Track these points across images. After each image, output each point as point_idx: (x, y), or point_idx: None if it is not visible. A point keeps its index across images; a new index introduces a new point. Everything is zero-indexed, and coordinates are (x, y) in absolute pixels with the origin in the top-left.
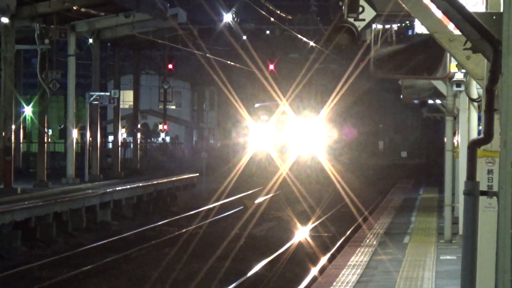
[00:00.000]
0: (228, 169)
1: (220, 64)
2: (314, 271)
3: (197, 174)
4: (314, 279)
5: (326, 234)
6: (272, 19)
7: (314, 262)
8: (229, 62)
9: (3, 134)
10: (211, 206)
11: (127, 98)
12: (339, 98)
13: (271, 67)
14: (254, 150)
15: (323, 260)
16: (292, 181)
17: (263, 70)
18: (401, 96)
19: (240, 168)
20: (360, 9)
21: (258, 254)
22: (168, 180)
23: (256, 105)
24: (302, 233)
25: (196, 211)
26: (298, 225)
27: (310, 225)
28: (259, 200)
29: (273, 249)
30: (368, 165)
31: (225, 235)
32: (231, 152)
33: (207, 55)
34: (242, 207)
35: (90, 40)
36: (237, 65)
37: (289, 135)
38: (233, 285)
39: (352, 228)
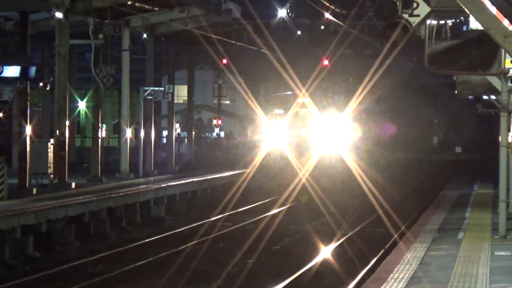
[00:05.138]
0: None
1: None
2: (368, 265)
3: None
4: (369, 274)
5: (380, 230)
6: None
7: (369, 257)
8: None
9: (58, 131)
10: (266, 200)
11: (181, 93)
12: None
13: (326, 62)
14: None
15: (377, 255)
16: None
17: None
18: (456, 92)
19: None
20: (415, 4)
21: (312, 249)
22: (222, 175)
23: (273, 95)
24: (355, 230)
25: (250, 206)
26: (351, 221)
27: (363, 222)
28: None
29: (326, 244)
30: (422, 160)
31: (279, 231)
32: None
33: (262, 50)
34: (295, 203)
35: (144, 35)
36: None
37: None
38: (287, 280)
39: (406, 224)
